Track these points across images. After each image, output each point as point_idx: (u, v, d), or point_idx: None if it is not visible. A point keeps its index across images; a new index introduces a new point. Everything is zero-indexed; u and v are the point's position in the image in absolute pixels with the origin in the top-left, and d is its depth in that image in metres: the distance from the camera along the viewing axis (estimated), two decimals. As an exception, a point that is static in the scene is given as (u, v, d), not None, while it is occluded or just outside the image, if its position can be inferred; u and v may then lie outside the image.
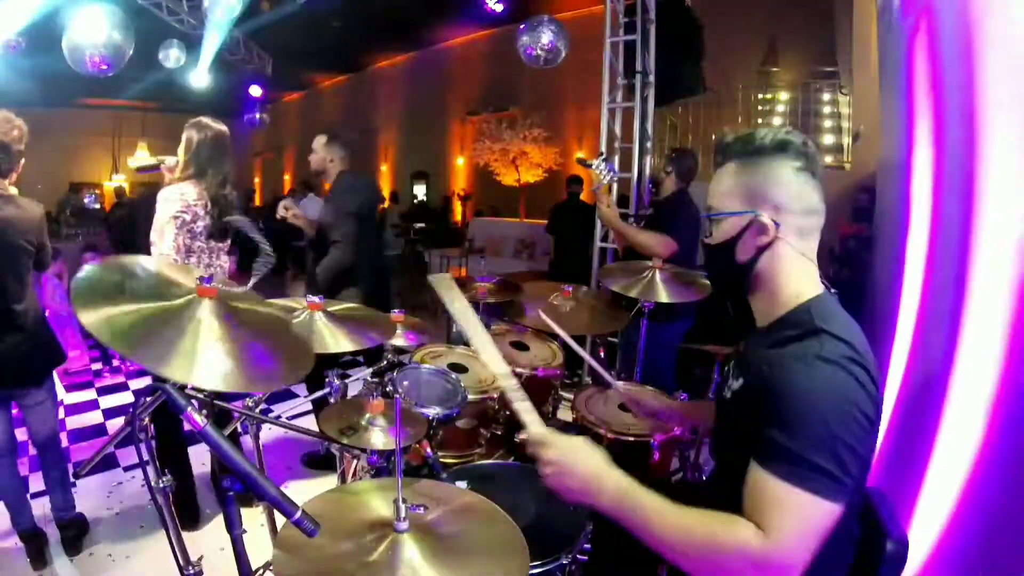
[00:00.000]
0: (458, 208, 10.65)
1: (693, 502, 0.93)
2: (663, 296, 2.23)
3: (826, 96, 6.79)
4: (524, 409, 1.09)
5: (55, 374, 2.36)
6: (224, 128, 2.41)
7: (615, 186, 4.13)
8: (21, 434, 2.23)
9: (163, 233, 2.22)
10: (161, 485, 1.13)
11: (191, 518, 2.44)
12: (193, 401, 0.90)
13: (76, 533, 2.28)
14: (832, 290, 1.03)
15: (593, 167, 2.65)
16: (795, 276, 1.00)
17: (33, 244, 2.04)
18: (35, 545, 2.16)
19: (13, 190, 2.07)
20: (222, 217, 2.33)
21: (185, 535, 1.19)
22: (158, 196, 2.26)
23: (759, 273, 1.02)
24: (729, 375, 1.13)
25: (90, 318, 0.94)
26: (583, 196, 5.89)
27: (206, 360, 0.99)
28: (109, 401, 3.90)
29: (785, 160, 0.98)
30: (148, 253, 2.23)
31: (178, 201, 2.25)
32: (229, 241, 2.46)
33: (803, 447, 0.83)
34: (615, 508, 0.95)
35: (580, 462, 0.99)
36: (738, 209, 1.00)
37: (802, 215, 0.99)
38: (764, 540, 0.83)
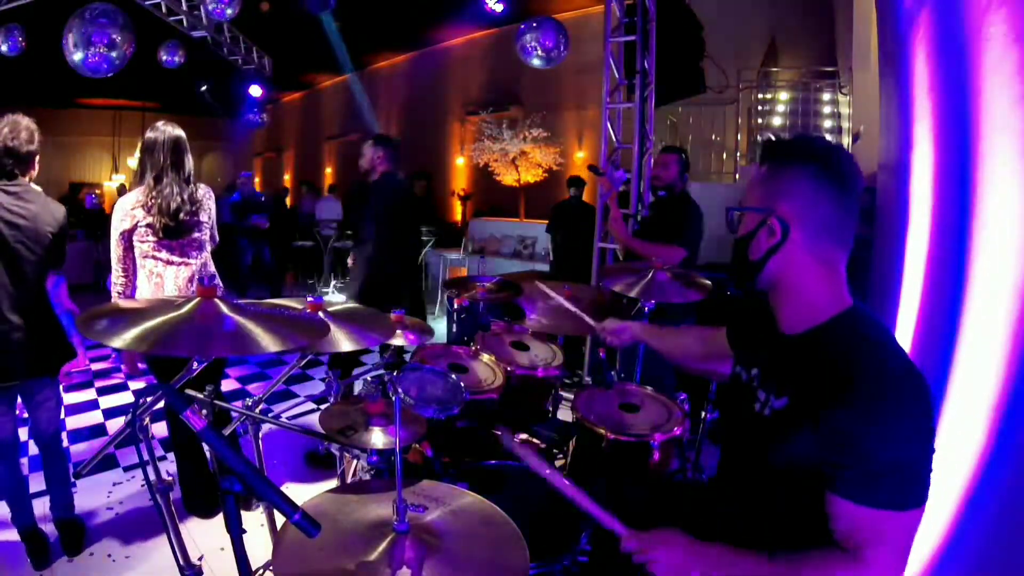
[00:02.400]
0: (458, 208, 10.64)
1: (694, 502, 0.93)
2: (663, 296, 2.23)
3: (826, 96, 6.79)
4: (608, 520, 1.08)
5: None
6: (166, 131, 2.28)
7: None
8: (23, 434, 2.23)
9: (113, 251, 2.24)
10: (161, 486, 1.13)
11: (209, 507, 2.47)
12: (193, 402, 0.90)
13: (76, 533, 2.28)
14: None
15: (606, 175, 2.67)
16: (816, 284, 0.99)
17: (54, 240, 2.13)
18: (36, 545, 2.16)
19: (36, 188, 2.15)
20: (169, 214, 2.21)
21: (185, 535, 1.19)
22: None
23: (773, 275, 1.02)
24: (756, 387, 1.07)
25: (118, 343, 1.00)
26: (585, 198, 5.89)
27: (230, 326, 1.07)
28: (109, 401, 3.90)
29: (809, 171, 0.97)
30: None
31: (118, 213, 2.22)
32: (203, 236, 2.37)
33: (900, 469, 0.83)
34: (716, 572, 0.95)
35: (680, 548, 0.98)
36: (756, 206, 1.02)
37: (819, 227, 0.97)
38: (865, 571, 0.83)
